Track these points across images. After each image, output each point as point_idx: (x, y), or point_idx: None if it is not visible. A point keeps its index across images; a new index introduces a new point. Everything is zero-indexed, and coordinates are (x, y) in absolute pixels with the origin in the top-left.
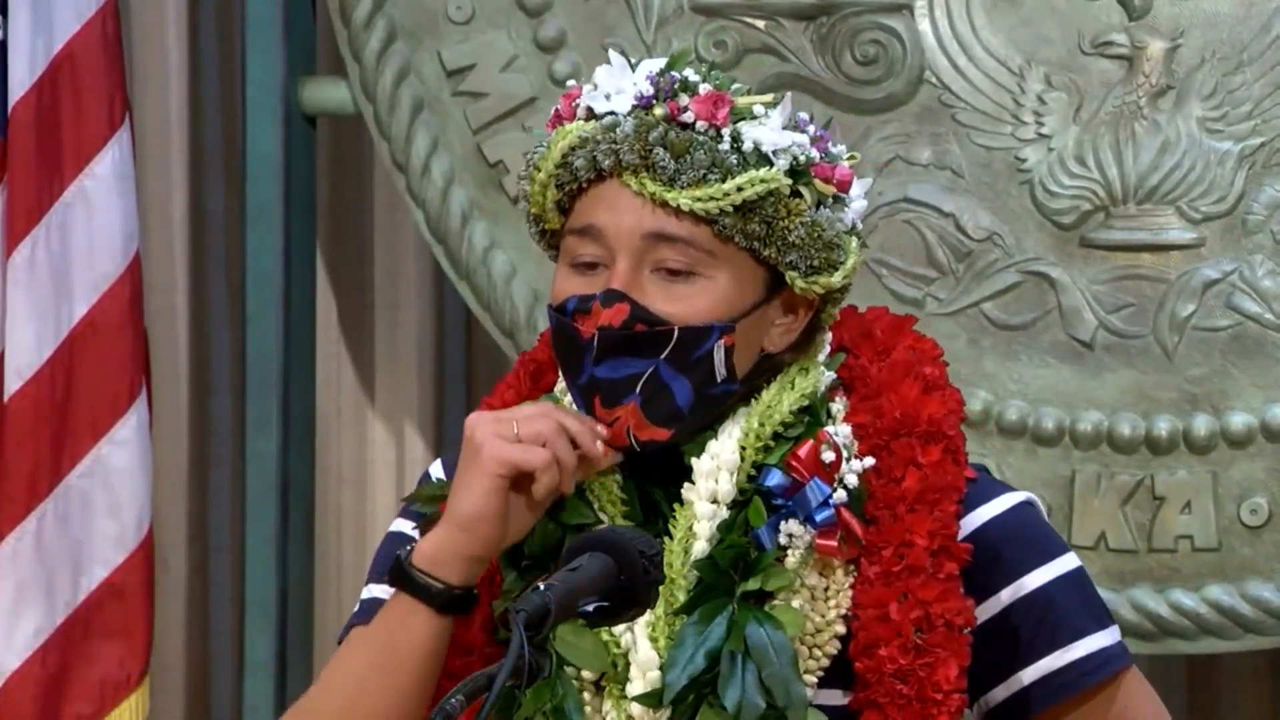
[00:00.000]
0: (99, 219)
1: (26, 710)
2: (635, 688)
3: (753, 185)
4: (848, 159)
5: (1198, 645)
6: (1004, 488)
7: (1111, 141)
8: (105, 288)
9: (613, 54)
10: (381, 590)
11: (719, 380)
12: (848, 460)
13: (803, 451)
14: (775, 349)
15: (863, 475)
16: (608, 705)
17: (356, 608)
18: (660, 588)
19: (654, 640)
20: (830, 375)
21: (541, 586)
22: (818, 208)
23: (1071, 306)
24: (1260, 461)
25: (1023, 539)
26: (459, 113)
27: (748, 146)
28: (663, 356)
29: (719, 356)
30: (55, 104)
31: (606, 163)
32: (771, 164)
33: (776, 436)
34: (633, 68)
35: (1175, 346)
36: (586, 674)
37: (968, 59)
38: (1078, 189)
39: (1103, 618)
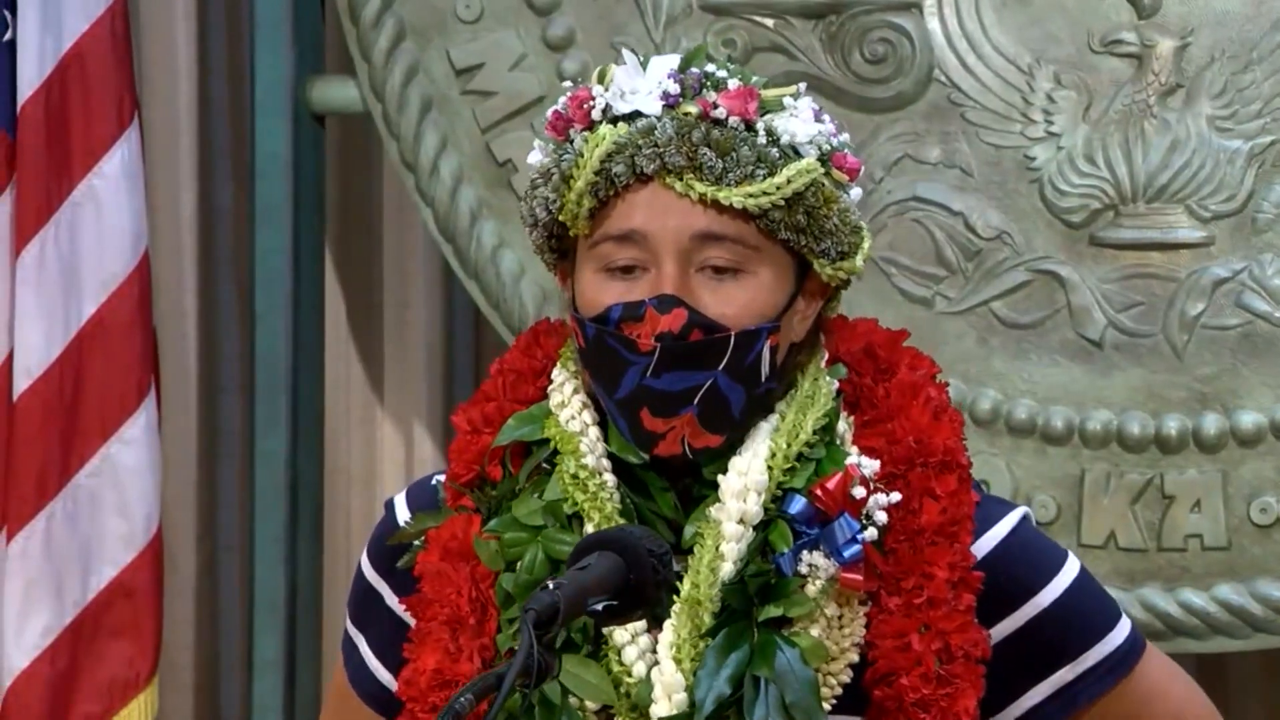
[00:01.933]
0: (108, 218)
1: (36, 709)
2: (660, 709)
3: (800, 177)
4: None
5: (1208, 644)
6: (1003, 506)
7: (1121, 140)
8: (114, 287)
9: (626, 53)
10: (354, 631)
11: (764, 380)
12: (873, 494)
13: (831, 484)
14: (799, 339)
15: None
16: None
17: (343, 641)
18: (685, 609)
19: (678, 661)
20: (835, 385)
21: (550, 585)
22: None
23: (1081, 305)
24: (1270, 460)
25: (1029, 559)
26: (468, 111)
27: (784, 140)
28: (721, 367)
29: (766, 356)
30: (64, 103)
31: (650, 167)
32: (805, 155)
33: (799, 457)
34: (642, 66)
35: (1185, 345)
36: (590, 704)
37: (977, 57)
38: (1087, 188)
39: (1110, 614)
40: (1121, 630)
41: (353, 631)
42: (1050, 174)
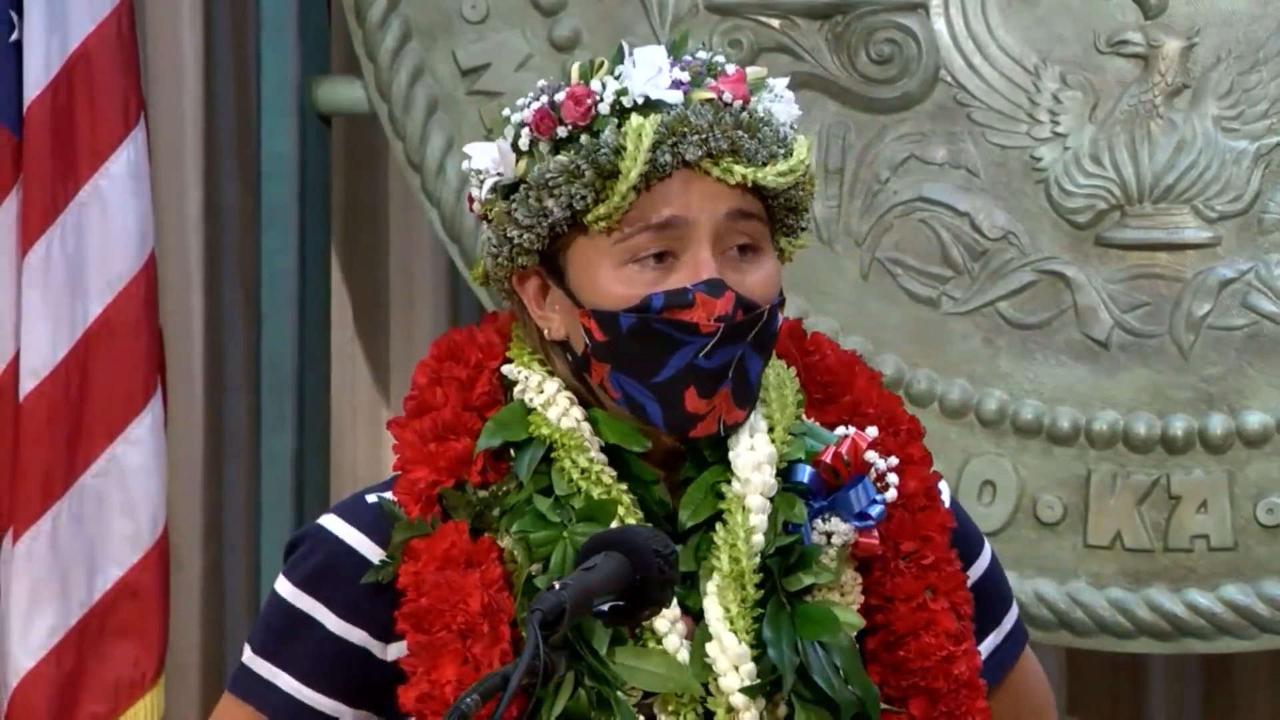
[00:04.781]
0: (114, 218)
1: (41, 710)
2: (731, 681)
3: (809, 154)
4: None
5: (1214, 645)
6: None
7: (1127, 140)
8: (120, 287)
9: (624, 44)
10: (268, 669)
11: (771, 353)
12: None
13: (843, 449)
14: None
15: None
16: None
17: (239, 672)
18: (730, 583)
19: (735, 634)
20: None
21: (556, 585)
22: None
23: (1087, 306)
24: (1277, 460)
25: (965, 527)
26: (474, 112)
27: (783, 119)
28: (749, 340)
29: (777, 330)
30: (70, 103)
31: (694, 154)
32: (796, 134)
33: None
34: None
35: (1191, 346)
36: (629, 695)
37: (983, 58)
38: (1093, 188)
39: (1009, 585)
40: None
41: (264, 670)
42: (1056, 174)
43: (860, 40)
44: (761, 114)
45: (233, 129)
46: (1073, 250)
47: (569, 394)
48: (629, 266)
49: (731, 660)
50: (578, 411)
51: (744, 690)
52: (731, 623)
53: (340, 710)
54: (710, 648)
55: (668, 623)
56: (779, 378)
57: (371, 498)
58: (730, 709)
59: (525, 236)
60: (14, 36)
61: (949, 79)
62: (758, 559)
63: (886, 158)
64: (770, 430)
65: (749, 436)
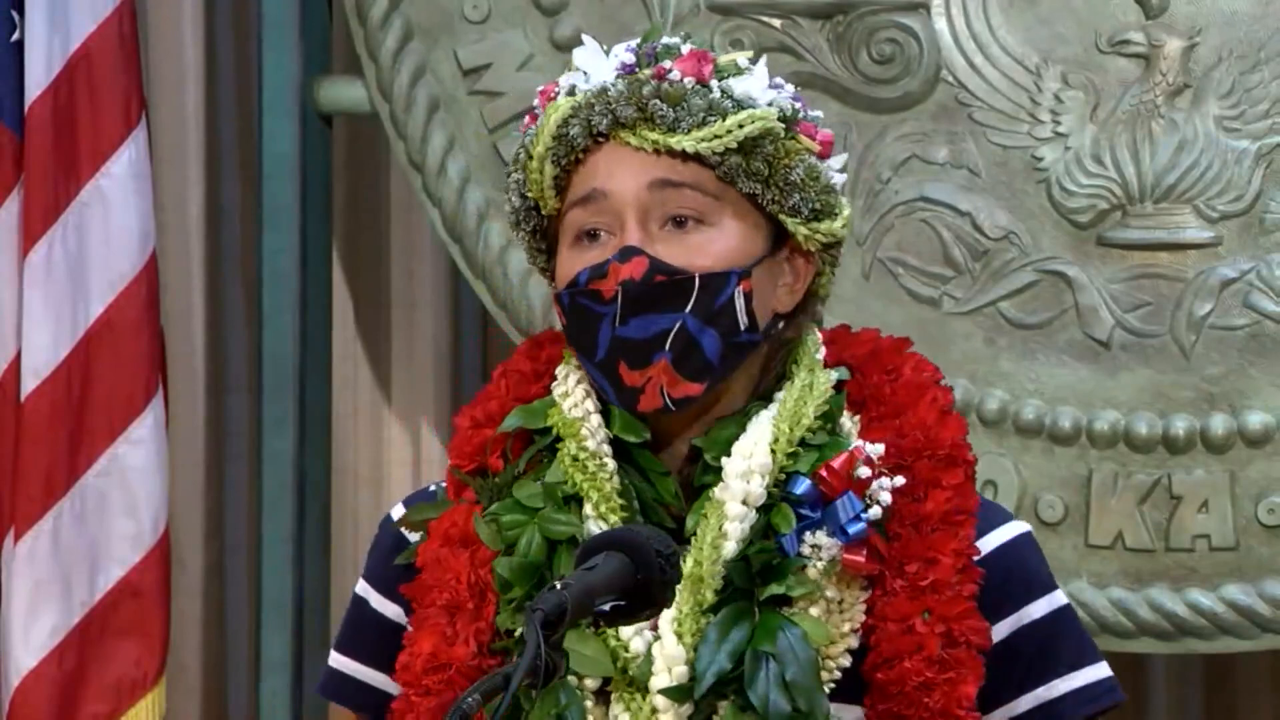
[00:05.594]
0: (115, 218)
1: (43, 709)
2: (660, 681)
3: (752, 122)
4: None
5: (1215, 645)
6: (1005, 514)
7: (1128, 140)
8: (122, 287)
9: (586, 38)
10: (347, 664)
11: (742, 329)
12: (877, 477)
13: (836, 464)
14: (784, 310)
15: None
16: (617, 709)
17: (326, 674)
18: (688, 585)
19: (680, 636)
20: (835, 378)
21: (558, 585)
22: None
23: (1088, 305)
24: (1278, 460)
25: (1026, 568)
26: (475, 112)
27: (739, 92)
28: (688, 309)
29: (740, 304)
30: (72, 103)
31: (602, 124)
32: (760, 107)
33: (803, 443)
34: (606, 54)
35: (1192, 346)
36: (589, 682)
37: (984, 58)
38: (1095, 188)
39: (1095, 649)
40: (1106, 668)
41: (345, 665)
42: (1058, 174)
43: (861, 40)
44: (713, 88)
45: (234, 129)
46: (1074, 250)
47: (588, 386)
48: (575, 248)
49: (666, 661)
50: (590, 403)
51: (664, 691)
52: (679, 624)
53: (376, 678)
54: (655, 647)
55: None
56: (804, 388)
57: (432, 486)
58: (654, 710)
59: (519, 234)
60: (15, 36)
61: (950, 79)
62: (720, 566)
63: (888, 157)
64: (775, 440)
65: (748, 444)
